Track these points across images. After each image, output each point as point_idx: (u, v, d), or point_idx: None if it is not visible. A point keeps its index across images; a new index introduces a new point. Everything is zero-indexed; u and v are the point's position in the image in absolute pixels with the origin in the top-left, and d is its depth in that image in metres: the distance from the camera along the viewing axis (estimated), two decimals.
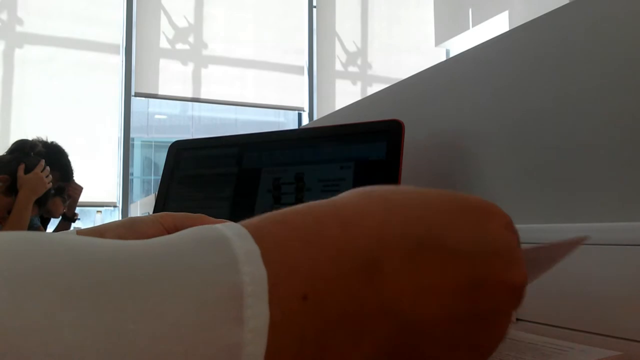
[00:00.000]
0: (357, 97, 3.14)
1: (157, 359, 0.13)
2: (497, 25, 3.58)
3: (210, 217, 0.43)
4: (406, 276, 0.19)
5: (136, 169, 4.80)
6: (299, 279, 0.16)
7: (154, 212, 0.59)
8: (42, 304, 0.13)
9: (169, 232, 0.40)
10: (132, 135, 3.45)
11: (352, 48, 4.13)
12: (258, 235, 0.17)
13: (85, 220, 2.81)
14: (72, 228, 2.08)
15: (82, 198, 2.13)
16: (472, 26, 3.84)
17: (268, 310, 0.15)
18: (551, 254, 0.28)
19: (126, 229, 0.40)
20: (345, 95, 3.97)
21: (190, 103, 4.14)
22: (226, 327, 0.14)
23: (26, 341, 0.12)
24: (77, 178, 2.07)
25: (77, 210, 2.12)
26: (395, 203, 0.21)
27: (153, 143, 5.25)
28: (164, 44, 3.55)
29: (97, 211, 3.12)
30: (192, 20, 3.63)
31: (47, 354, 0.12)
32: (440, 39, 4.22)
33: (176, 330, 0.14)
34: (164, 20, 3.56)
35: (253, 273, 0.15)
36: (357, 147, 0.64)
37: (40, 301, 0.13)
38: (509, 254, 0.22)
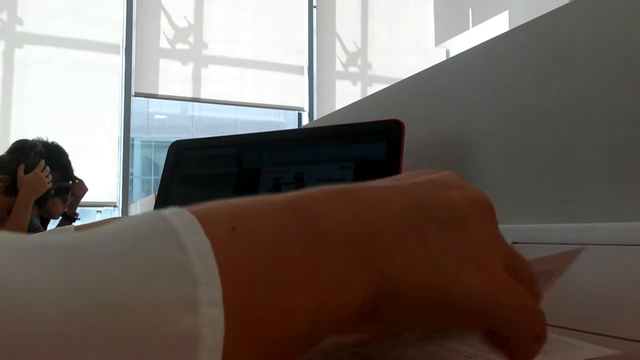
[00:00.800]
0: (357, 97, 3.13)
1: (124, 287, 0.15)
2: (497, 25, 3.58)
3: None
4: (342, 208, 0.21)
5: (136, 169, 4.80)
6: (224, 217, 0.18)
7: None
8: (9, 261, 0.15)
9: None
10: (132, 135, 3.45)
11: (352, 48, 4.14)
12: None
13: (85, 220, 2.80)
14: None
15: (83, 198, 2.13)
16: (472, 26, 3.84)
17: (207, 239, 0.17)
18: (556, 263, 0.28)
19: None
20: (345, 95, 3.97)
21: (190, 103, 4.14)
22: (173, 257, 0.16)
23: None
24: None
25: (77, 210, 2.12)
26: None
27: (153, 143, 5.25)
28: (164, 44, 3.55)
29: (97, 211, 3.12)
30: (192, 20, 3.63)
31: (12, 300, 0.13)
32: (440, 39, 4.22)
33: (135, 272, 0.15)
34: (164, 20, 3.56)
35: (183, 219, 0.17)
36: (357, 147, 0.64)
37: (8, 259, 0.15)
38: (447, 182, 0.25)
